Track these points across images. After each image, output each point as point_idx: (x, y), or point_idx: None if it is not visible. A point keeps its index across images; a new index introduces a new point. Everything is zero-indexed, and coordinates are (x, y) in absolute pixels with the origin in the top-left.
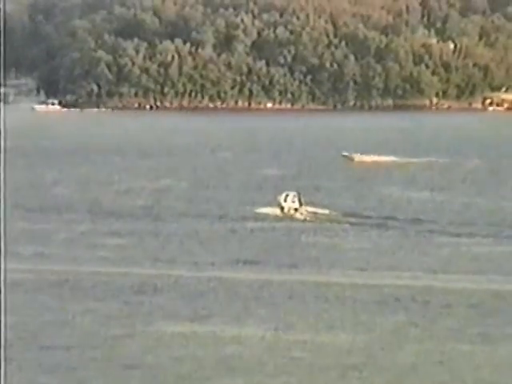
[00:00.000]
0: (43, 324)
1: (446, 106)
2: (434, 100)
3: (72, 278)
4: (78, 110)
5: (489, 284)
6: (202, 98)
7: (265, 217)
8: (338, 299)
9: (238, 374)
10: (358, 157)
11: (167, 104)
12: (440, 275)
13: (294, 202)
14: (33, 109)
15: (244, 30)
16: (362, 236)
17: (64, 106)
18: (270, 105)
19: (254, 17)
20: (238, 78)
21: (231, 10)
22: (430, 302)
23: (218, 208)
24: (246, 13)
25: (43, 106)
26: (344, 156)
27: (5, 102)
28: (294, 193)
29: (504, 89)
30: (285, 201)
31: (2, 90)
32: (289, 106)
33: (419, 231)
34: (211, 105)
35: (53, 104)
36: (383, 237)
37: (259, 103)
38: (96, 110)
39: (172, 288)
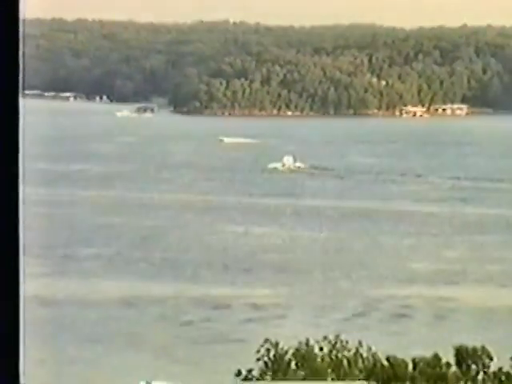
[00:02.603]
0: (155, 227)
1: (380, 114)
2: (374, 111)
3: (174, 198)
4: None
5: (400, 206)
6: (254, 108)
7: (274, 170)
8: (318, 215)
9: (265, 251)
10: (226, 139)
11: (237, 112)
12: (375, 201)
13: (290, 161)
14: (116, 115)
15: (276, 74)
16: (329, 180)
17: (182, 114)
18: (289, 113)
19: (280, 67)
20: (273, 99)
21: (270, 63)
22: (371, 216)
23: (257, 165)
24: (278, 66)
25: (120, 113)
26: (219, 139)
27: (152, 112)
28: (291, 156)
29: (411, 104)
30: (286, 160)
31: (150, 105)
32: (299, 113)
33: (360, 179)
34: (258, 113)
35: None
36: (341, 180)
37: (284, 112)
38: (199, 116)
39: (230, 208)
